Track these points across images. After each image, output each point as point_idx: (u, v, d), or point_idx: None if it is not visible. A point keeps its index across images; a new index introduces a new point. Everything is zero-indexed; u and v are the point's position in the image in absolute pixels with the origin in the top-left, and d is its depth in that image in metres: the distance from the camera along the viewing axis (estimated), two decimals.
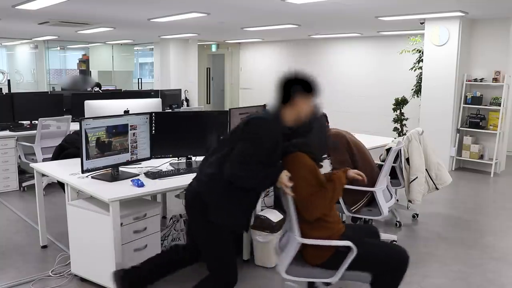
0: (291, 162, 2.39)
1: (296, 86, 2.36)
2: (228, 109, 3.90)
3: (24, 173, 5.88)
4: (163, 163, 3.64)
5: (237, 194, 2.35)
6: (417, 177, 4.26)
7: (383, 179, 3.50)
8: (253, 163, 2.24)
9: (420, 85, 7.33)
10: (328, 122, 3.18)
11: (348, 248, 2.31)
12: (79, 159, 3.07)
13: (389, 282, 2.40)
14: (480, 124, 6.90)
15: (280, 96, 2.39)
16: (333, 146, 3.33)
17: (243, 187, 2.32)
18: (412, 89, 8.00)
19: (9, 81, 11.93)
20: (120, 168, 3.29)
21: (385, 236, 4.05)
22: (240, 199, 2.38)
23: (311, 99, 2.40)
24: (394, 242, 3.89)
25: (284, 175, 2.27)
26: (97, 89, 9.00)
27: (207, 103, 14.24)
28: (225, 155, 2.33)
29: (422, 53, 7.44)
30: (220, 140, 2.50)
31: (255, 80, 13.13)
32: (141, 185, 2.98)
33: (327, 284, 2.54)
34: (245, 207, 2.45)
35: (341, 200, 3.54)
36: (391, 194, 3.80)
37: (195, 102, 11.91)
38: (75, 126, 5.06)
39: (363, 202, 3.55)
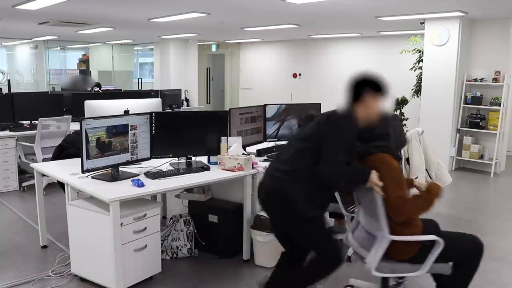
0: (377, 162, 2.45)
1: (365, 85, 2.46)
2: (228, 109, 3.90)
3: (24, 173, 5.88)
4: (163, 163, 3.63)
5: (317, 188, 2.41)
6: (417, 177, 4.25)
7: None
8: (342, 161, 2.32)
9: (420, 85, 7.33)
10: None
11: (432, 242, 2.41)
12: (79, 159, 3.07)
13: (469, 271, 2.52)
14: (480, 124, 6.90)
15: (350, 95, 2.48)
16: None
17: (336, 186, 2.43)
18: (412, 89, 8.00)
19: (9, 81, 11.92)
20: (120, 168, 3.29)
21: None
22: (319, 195, 2.46)
23: (380, 98, 2.47)
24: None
25: (374, 175, 2.36)
26: (97, 89, 9.00)
27: (207, 103, 14.24)
28: (301, 149, 2.41)
29: (422, 53, 7.44)
30: (292, 136, 2.57)
31: (255, 80, 13.12)
32: (141, 185, 2.98)
33: (401, 278, 2.74)
34: (323, 203, 2.54)
35: (339, 200, 3.57)
36: None
37: (195, 102, 11.91)
38: (75, 126, 5.07)
39: None
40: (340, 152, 2.33)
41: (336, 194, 3.58)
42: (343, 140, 2.36)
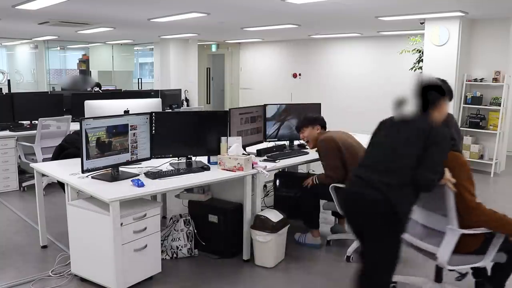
0: (449, 161, 2.51)
1: (439, 92, 2.57)
2: (228, 109, 3.90)
3: (24, 173, 5.88)
4: (163, 163, 3.63)
5: (414, 199, 2.46)
6: None
7: None
8: (441, 171, 2.44)
9: None
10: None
11: (492, 233, 2.55)
12: (79, 159, 3.07)
13: None
14: (480, 124, 6.90)
15: (424, 102, 2.54)
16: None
17: (429, 191, 2.47)
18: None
19: (9, 81, 11.92)
20: (120, 168, 3.29)
21: None
22: (413, 204, 2.50)
23: (448, 101, 2.63)
24: None
25: (447, 172, 2.47)
26: (97, 89, 8.99)
27: (207, 103, 14.24)
28: (410, 166, 2.37)
29: (422, 53, 7.44)
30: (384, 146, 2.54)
31: (255, 80, 13.12)
32: (141, 185, 2.98)
33: (463, 275, 2.92)
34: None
35: (335, 199, 3.58)
36: None
37: (195, 102, 11.91)
38: (75, 126, 5.07)
39: None
40: (442, 162, 2.44)
41: (334, 196, 3.60)
42: (446, 151, 2.47)
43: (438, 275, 2.94)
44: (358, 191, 2.46)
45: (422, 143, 2.39)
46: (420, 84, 2.55)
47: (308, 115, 3.98)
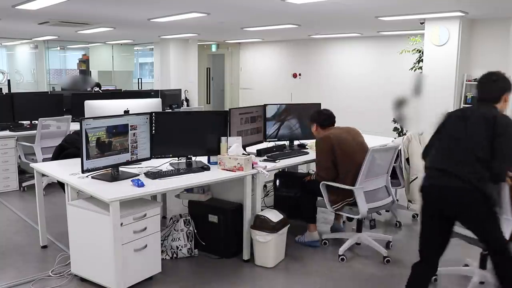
0: None
1: (505, 86, 2.66)
2: (228, 109, 3.90)
3: (24, 173, 5.88)
4: (163, 163, 3.63)
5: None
6: (417, 177, 4.26)
7: (363, 179, 3.49)
8: None
9: None
10: None
11: None
12: (79, 159, 3.07)
13: None
14: None
15: (492, 95, 2.64)
16: None
17: (503, 180, 2.58)
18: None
19: (9, 81, 11.93)
20: (120, 168, 3.29)
21: (380, 236, 4.05)
22: None
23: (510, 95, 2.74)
24: (390, 242, 3.90)
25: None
26: (97, 89, 9.00)
27: (207, 103, 14.24)
28: (482, 159, 2.47)
29: (422, 53, 7.44)
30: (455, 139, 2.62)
31: (255, 80, 13.12)
32: (141, 185, 2.98)
33: None
34: None
35: (326, 198, 3.58)
36: (389, 193, 3.79)
37: (195, 102, 11.91)
38: (75, 126, 5.06)
39: (346, 201, 3.60)
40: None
41: (324, 194, 3.60)
42: None
43: (483, 262, 3.07)
44: (444, 183, 2.56)
45: (490, 132, 2.47)
46: (491, 79, 2.65)
47: (311, 113, 3.99)
